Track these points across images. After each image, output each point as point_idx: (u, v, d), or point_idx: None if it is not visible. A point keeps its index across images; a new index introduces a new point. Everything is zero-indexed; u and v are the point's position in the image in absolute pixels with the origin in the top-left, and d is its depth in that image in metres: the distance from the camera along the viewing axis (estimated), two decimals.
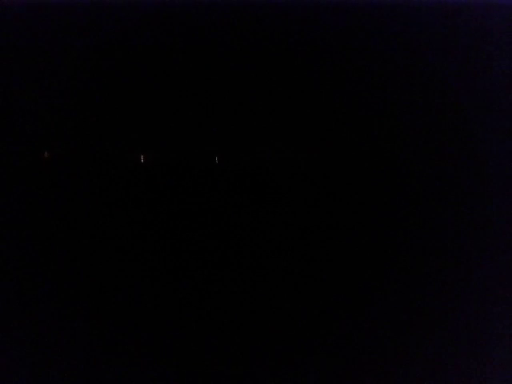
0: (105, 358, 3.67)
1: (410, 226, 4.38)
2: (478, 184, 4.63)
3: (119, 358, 3.67)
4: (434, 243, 4.44)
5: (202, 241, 4.10)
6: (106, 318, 3.69)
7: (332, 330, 3.73)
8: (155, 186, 4.41)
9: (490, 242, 4.47)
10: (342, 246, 4.17)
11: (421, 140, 4.98)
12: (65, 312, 3.71)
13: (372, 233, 4.41)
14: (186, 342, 3.81)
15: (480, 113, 4.90)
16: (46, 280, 3.81)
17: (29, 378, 3.66)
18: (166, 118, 4.24)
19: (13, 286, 3.73)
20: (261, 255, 4.06)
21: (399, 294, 4.04)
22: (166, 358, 3.72)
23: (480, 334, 3.97)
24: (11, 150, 4.21)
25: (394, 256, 4.24)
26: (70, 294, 3.76)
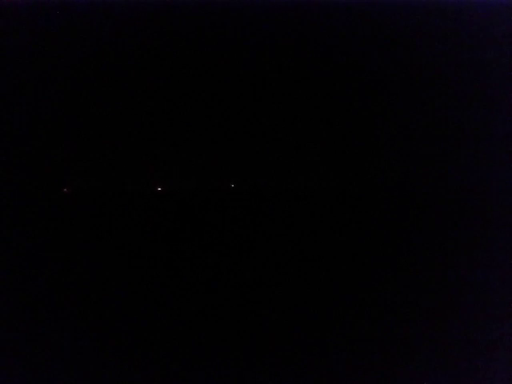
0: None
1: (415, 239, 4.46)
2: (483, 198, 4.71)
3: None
4: (437, 249, 4.56)
5: (222, 265, 4.15)
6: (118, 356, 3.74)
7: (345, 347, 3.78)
8: (174, 215, 4.47)
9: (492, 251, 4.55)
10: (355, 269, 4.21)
11: (423, 144, 5.13)
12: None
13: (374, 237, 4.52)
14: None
15: (481, 114, 5.00)
16: (65, 316, 3.90)
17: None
18: (181, 146, 4.30)
19: (31, 324, 3.80)
20: (283, 279, 4.12)
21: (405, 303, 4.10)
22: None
23: (480, 336, 4.03)
24: (31, 186, 4.23)
25: (399, 261, 4.29)
26: (92, 328, 3.85)
